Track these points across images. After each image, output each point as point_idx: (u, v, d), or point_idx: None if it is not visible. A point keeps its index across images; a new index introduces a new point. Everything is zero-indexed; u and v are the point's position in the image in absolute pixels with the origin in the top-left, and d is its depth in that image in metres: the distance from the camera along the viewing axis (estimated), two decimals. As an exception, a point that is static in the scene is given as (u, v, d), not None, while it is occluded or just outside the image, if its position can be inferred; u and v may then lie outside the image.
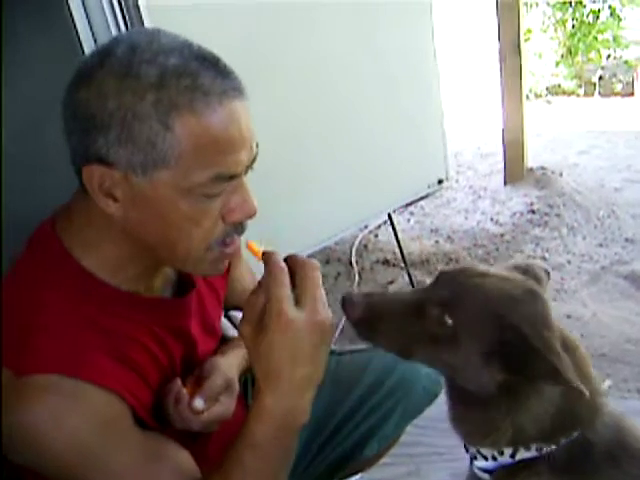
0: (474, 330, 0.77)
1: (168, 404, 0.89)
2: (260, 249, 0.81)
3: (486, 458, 0.80)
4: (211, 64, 0.76)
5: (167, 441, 0.86)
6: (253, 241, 0.84)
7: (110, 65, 0.74)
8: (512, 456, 0.77)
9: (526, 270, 0.86)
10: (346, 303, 0.83)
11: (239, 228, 0.84)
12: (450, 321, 0.77)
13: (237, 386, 0.98)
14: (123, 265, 0.85)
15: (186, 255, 0.83)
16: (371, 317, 0.83)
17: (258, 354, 0.76)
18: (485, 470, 0.82)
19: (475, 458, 0.82)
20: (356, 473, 1.42)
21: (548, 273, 0.89)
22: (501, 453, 0.78)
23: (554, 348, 0.72)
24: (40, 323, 0.78)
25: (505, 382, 0.75)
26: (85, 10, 1.41)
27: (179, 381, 0.90)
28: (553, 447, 0.76)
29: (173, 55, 0.74)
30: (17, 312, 0.80)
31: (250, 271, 1.19)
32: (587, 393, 0.70)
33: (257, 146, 0.83)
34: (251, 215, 0.83)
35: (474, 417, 0.79)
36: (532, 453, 0.76)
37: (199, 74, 0.74)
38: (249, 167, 0.82)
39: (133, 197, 0.78)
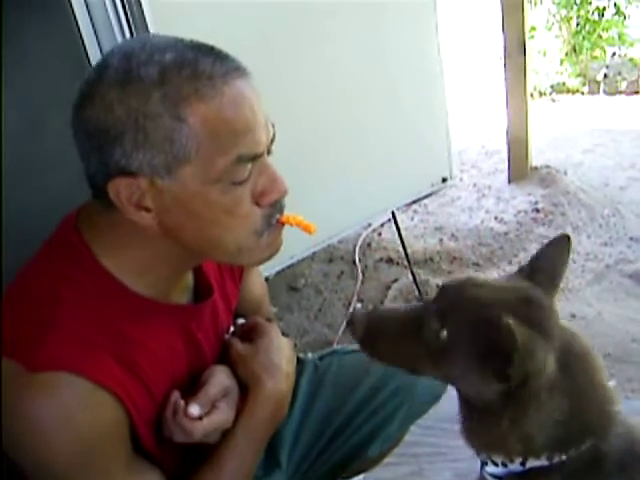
0: (465, 340, 0.76)
1: (167, 416, 0.87)
2: (297, 220, 0.88)
3: (497, 464, 0.79)
4: (207, 50, 0.77)
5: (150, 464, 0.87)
6: (287, 216, 0.86)
7: (109, 77, 0.74)
8: (522, 464, 0.76)
9: (532, 274, 0.84)
10: (350, 322, 0.87)
11: (277, 207, 0.84)
12: (445, 333, 0.77)
13: (237, 394, 0.95)
14: (145, 271, 0.84)
15: (238, 248, 0.82)
16: (373, 335, 0.85)
17: (256, 353, 0.96)
18: (495, 476, 0.81)
19: (486, 463, 0.82)
20: (359, 473, 1.41)
21: (558, 279, 0.86)
22: (511, 460, 0.77)
23: (518, 339, 0.68)
24: (54, 319, 0.77)
25: (504, 391, 0.73)
26: (87, 8, 1.40)
27: (177, 392, 0.88)
28: (564, 457, 0.75)
29: (168, 51, 0.74)
30: (32, 304, 0.79)
31: (261, 277, 1.19)
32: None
33: (273, 126, 0.82)
34: (282, 193, 0.83)
35: (483, 430, 0.78)
36: (542, 462, 0.75)
37: (198, 61, 0.74)
38: (269, 147, 0.82)
39: (164, 202, 0.77)
